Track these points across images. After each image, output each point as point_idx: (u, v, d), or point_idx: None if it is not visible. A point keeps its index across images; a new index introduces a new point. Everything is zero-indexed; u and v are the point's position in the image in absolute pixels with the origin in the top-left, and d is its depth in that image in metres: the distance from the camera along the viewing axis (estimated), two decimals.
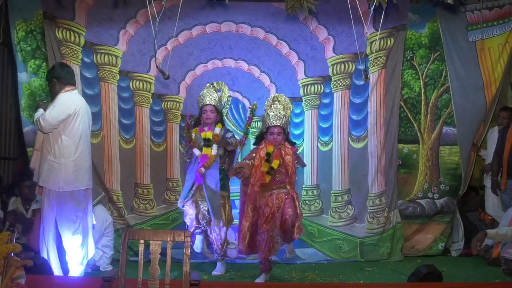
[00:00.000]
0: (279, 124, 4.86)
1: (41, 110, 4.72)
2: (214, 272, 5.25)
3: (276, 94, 5.30)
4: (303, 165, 5.36)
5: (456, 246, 6.48)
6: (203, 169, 5.11)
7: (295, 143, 5.34)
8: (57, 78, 4.76)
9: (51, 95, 4.93)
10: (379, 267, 5.77)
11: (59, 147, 4.62)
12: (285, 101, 5.07)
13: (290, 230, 4.66)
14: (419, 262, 5.43)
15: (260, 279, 4.90)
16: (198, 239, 5.31)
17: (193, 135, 5.29)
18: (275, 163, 4.83)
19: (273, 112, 4.89)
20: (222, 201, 5.23)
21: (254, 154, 4.95)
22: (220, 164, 5.26)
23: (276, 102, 4.99)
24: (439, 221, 6.44)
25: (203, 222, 5.21)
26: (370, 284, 4.96)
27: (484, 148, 6.59)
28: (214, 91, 5.34)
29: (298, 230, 4.66)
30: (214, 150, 5.16)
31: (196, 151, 5.23)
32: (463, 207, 6.86)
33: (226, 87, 5.59)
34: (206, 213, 5.19)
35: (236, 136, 5.45)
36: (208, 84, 5.49)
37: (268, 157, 4.85)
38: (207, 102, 5.25)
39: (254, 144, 5.26)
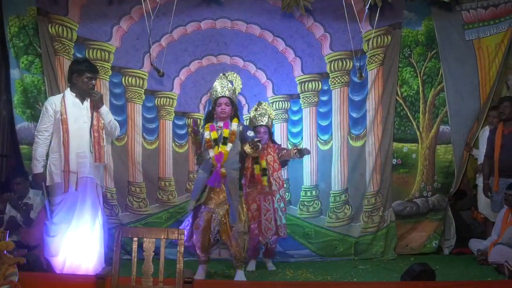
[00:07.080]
0: (264, 123, 5.49)
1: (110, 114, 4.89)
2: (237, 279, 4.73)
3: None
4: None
5: (448, 243, 6.49)
6: (224, 170, 4.68)
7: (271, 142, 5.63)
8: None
9: (87, 90, 4.73)
10: (372, 265, 5.78)
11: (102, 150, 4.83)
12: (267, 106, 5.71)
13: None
14: (412, 261, 5.43)
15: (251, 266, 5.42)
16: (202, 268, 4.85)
17: (206, 132, 4.82)
18: (263, 163, 5.29)
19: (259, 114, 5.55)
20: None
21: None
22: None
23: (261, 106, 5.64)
24: (431, 218, 6.43)
25: (216, 229, 4.71)
26: (363, 282, 4.95)
27: (476, 148, 6.59)
28: (227, 82, 4.97)
29: None
30: (228, 147, 4.75)
31: (211, 152, 4.76)
32: (456, 205, 6.86)
33: (239, 77, 5.29)
34: (222, 218, 4.70)
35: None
36: (221, 74, 5.14)
37: (257, 159, 5.25)
38: (221, 94, 4.86)
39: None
